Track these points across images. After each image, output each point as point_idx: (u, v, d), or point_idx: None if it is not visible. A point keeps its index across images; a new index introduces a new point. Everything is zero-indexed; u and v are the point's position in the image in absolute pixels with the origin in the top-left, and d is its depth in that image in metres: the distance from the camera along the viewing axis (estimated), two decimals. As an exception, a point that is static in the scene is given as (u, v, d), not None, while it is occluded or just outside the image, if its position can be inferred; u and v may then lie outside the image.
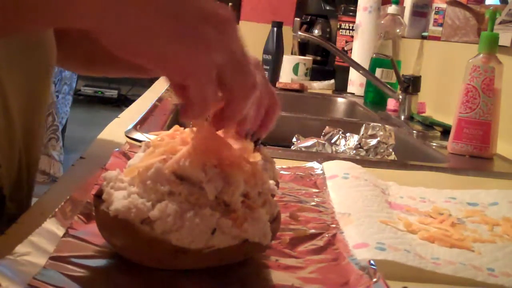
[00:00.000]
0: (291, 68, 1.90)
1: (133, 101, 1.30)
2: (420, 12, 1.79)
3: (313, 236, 0.51)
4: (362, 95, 1.72)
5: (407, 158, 1.09)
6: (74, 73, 2.74)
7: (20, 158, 0.64)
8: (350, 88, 1.86)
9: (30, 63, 0.64)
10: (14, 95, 0.61)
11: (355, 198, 0.62)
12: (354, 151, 1.07)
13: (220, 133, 0.45)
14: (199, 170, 0.41)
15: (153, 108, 1.14)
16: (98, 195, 0.44)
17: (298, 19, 1.82)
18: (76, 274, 0.39)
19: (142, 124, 0.97)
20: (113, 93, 5.79)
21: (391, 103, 1.55)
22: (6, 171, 0.60)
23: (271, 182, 0.47)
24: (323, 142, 1.09)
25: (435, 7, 1.65)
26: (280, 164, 0.74)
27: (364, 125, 1.08)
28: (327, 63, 2.17)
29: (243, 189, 0.43)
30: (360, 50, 1.80)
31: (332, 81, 1.98)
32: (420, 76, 1.40)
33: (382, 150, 1.05)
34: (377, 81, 1.51)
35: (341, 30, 2.01)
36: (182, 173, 0.41)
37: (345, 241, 0.49)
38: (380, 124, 1.08)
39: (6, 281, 0.35)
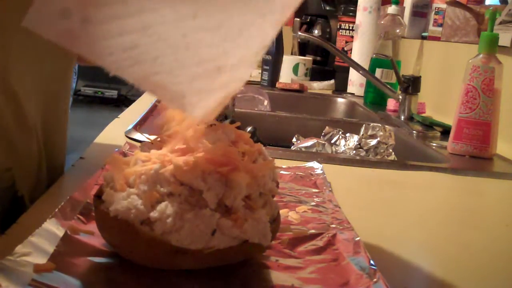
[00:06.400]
0: (291, 68, 1.90)
1: (133, 101, 1.30)
2: (420, 12, 1.79)
3: (313, 236, 0.51)
4: (362, 95, 1.72)
5: (407, 158, 1.09)
6: (74, 73, 2.75)
7: (40, 159, 0.64)
8: (350, 88, 1.86)
9: (45, 64, 0.64)
10: (29, 98, 0.61)
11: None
12: (354, 151, 1.07)
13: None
14: (199, 179, 0.41)
15: (153, 108, 1.14)
16: (98, 195, 0.44)
17: (298, 19, 1.82)
18: (76, 275, 0.39)
19: (142, 125, 0.97)
20: (113, 93, 5.79)
21: (391, 103, 1.55)
22: (23, 172, 0.60)
23: (272, 182, 0.47)
24: (323, 142, 1.09)
25: (435, 7, 1.66)
26: (280, 164, 0.74)
27: (364, 125, 1.08)
28: (327, 63, 2.17)
29: (245, 193, 0.42)
30: (360, 50, 1.80)
31: (332, 81, 1.98)
32: (420, 76, 1.40)
33: (382, 150, 1.05)
34: (377, 81, 1.51)
35: (341, 30, 2.01)
36: (181, 180, 0.41)
37: (345, 241, 0.48)
38: (380, 124, 1.08)
39: (6, 282, 0.35)
